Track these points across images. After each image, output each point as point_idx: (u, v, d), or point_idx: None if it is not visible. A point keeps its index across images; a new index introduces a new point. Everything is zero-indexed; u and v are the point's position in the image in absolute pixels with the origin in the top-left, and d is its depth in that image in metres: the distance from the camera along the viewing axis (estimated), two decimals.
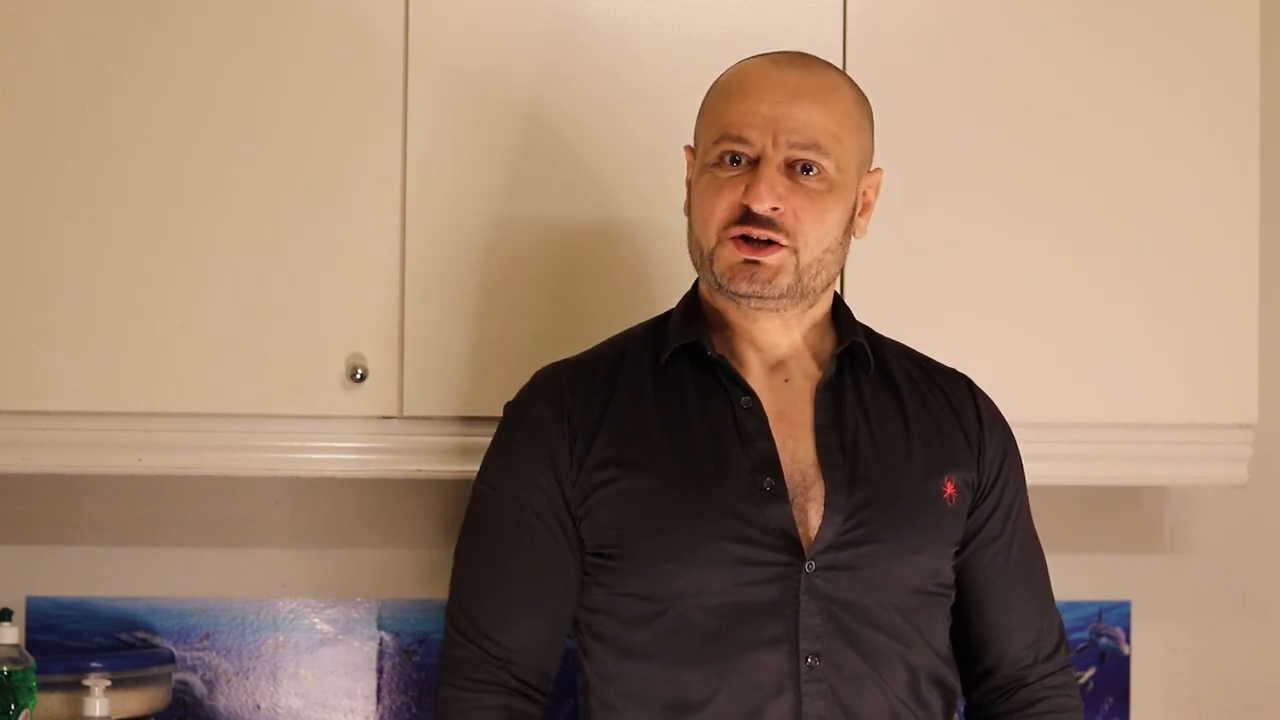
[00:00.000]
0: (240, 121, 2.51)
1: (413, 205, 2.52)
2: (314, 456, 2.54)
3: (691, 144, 2.15)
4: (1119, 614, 2.96)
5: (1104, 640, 2.96)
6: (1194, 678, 2.99)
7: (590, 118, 2.54)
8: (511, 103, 2.53)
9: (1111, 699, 2.96)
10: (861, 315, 2.22)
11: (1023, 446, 2.23)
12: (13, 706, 2.46)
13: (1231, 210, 2.62)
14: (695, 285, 2.17)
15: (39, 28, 2.49)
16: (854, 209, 2.10)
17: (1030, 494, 2.24)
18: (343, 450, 2.54)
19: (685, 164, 2.14)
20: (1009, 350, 2.58)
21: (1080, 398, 2.60)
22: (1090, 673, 2.95)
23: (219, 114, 2.50)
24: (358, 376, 2.50)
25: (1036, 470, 2.26)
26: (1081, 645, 2.94)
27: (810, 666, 2.02)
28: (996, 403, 2.24)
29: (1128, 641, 2.97)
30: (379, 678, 2.85)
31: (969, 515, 2.14)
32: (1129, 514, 2.97)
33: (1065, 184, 2.60)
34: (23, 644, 2.57)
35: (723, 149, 2.06)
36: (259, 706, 2.84)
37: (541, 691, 2.14)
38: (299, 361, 2.50)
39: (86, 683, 2.55)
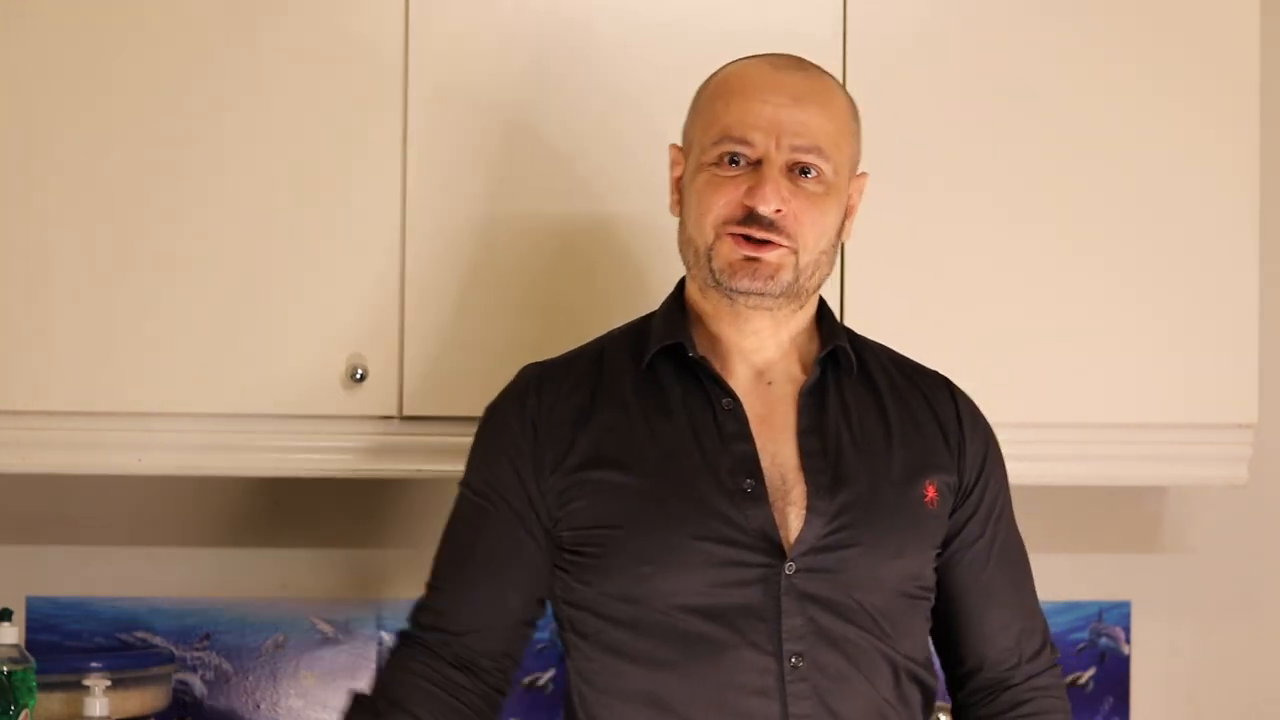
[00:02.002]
0: (241, 122, 2.51)
1: (412, 206, 2.52)
2: (314, 456, 2.54)
3: (678, 143, 2.14)
4: (1119, 614, 2.96)
5: (1104, 640, 2.96)
6: (1194, 678, 2.99)
7: (588, 120, 2.53)
8: (509, 106, 2.53)
9: (1111, 699, 2.96)
10: (860, 316, 2.22)
11: (1022, 446, 2.23)
12: (13, 706, 2.46)
13: (1231, 210, 2.62)
14: (678, 287, 2.17)
15: (39, 29, 2.49)
16: (844, 212, 2.11)
17: (1030, 494, 2.24)
18: (343, 450, 2.54)
19: (671, 161, 2.14)
20: (1008, 350, 2.57)
21: (1079, 398, 2.59)
22: (1090, 673, 2.95)
23: (219, 115, 2.50)
24: (358, 376, 2.50)
25: (1036, 471, 2.26)
26: (1081, 645, 2.94)
27: (794, 667, 2.01)
28: (997, 403, 2.24)
29: (1128, 641, 2.97)
30: None
31: (950, 517, 2.14)
32: (1129, 514, 2.97)
33: (1065, 183, 2.60)
34: (23, 644, 2.57)
35: (724, 149, 2.06)
36: (259, 706, 2.84)
37: (486, 670, 2.12)
38: (299, 361, 2.50)
39: (86, 683, 2.55)
